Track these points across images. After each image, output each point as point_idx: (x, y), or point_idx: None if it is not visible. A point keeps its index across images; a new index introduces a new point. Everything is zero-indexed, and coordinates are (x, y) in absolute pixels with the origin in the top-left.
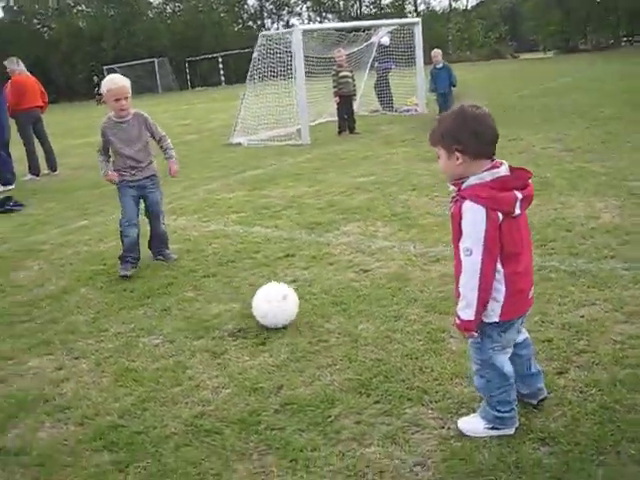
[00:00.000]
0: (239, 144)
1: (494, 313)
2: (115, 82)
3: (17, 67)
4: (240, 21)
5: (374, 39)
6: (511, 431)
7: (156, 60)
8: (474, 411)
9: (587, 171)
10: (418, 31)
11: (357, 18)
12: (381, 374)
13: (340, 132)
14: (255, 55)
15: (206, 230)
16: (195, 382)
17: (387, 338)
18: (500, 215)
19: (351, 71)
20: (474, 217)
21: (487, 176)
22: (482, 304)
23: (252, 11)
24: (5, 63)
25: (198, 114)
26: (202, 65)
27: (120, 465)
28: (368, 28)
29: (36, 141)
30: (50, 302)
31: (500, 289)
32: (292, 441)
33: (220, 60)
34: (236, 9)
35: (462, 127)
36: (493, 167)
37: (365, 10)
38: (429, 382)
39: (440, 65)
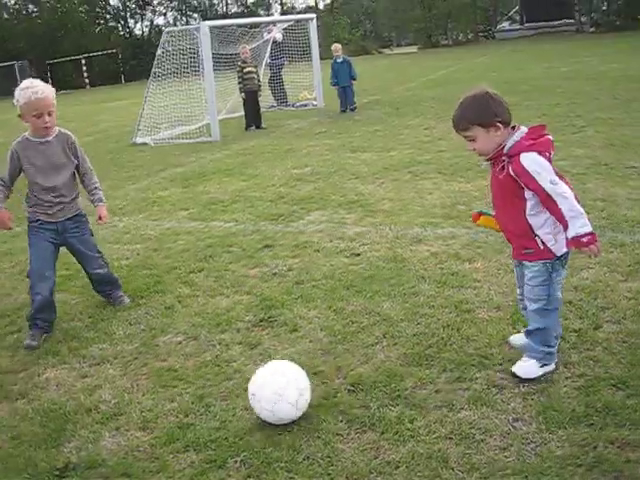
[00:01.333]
0: (145, 144)
1: (561, 245)
2: (36, 92)
3: None
4: (102, 22)
5: (266, 36)
6: (553, 366)
7: (16, 63)
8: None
9: None
10: (313, 27)
11: (225, 17)
12: (432, 346)
13: (247, 128)
14: (159, 52)
15: (163, 228)
16: (245, 374)
17: (417, 314)
18: (547, 154)
19: (255, 67)
20: (535, 160)
21: (519, 134)
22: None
23: (114, 11)
24: None
25: (78, 116)
26: (65, 67)
27: (215, 462)
28: (268, 24)
29: None
30: (26, 309)
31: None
32: (385, 416)
33: (83, 62)
34: (98, 9)
35: (495, 103)
36: (517, 128)
37: (232, 9)
38: (482, 348)
39: (340, 59)
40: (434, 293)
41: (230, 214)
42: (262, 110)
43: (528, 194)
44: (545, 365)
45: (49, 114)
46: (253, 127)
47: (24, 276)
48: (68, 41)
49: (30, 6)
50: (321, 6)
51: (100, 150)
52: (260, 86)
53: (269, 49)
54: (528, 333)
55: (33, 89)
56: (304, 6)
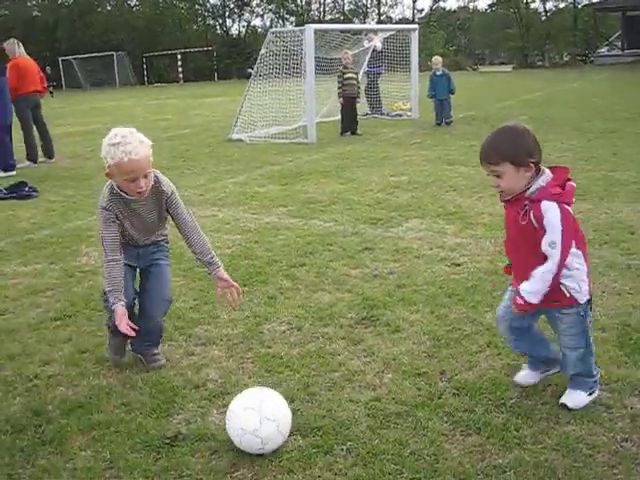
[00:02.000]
0: (241, 140)
1: (585, 291)
2: (130, 152)
3: (18, 49)
4: (200, 19)
5: (367, 44)
6: (598, 391)
7: (115, 54)
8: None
9: (614, 179)
10: (415, 38)
11: (320, 22)
12: None
13: (343, 133)
14: (262, 52)
15: (262, 222)
16: (350, 367)
17: None
18: (569, 207)
19: (356, 73)
20: (554, 213)
21: (545, 178)
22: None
23: (213, 10)
24: (4, 45)
25: (173, 109)
26: (160, 61)
27: (322, 448)
28: (369, 32)
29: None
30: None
31: (583, 269)
32: (490, 422)
33: (179, 57)
34: (197, 6)
35: (532, 141)
36: (542, 172)
37: (328, 16)
38: None
39: (440, 72)
40: None
41: (329, 214)
42: (358, 117)
43: None
44: (592, 393)
45: (145, 176)
46: (349, 133)
47: None
48: (166, 36)
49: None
50: (417, 18)
51: (197, 143)
52: (359, 93)
53: (368, 57)
54: (571, 376)
55: (126, 147)
56: (400, 17)
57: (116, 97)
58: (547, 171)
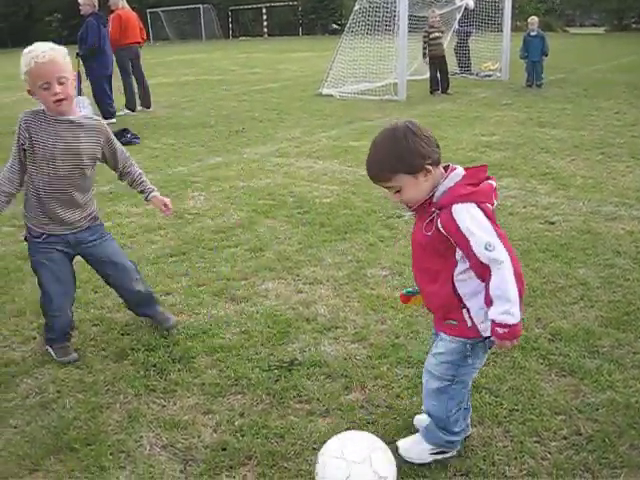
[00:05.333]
0: (330, 95)
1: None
2: (37, 55)
3: (120, 1)
4: None
5: (459, 2)
6: (454, 452)
7: (201, 7)
8: None
9: None
10: None
11: None
12: (629, 314)
13: (432, 91)
14: (356, 7)
15: (359, 174)
16: None
17: (612, 283)
18: (489, 207)
19: (442, 32)
20: (471, 214)
21: (454, 177)
22: (521, 298)
23: None
24: None
25: (261, 63)
26: (245, 15)
27: None
28: None
29: None
30: (242, 231)
31: None
32: (583, 366)
33: (264, 11)
34: None
35: (420, 140)
36: (451, 170)
37: None
38: None
39: (534, 33)
40: (630, 268)
41: None
42: (448, 75)
43: (459, 254)
44: (442, 453)
45: (60, 83)
46: (439, 91)
47: (235, 201)
48: None
49: None
50: None
51: (288, 97)
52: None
53: (459, 16)
54: (427, 412)
55: (34, 53)
56: None
57: (204, 50)
58: (459, 169)
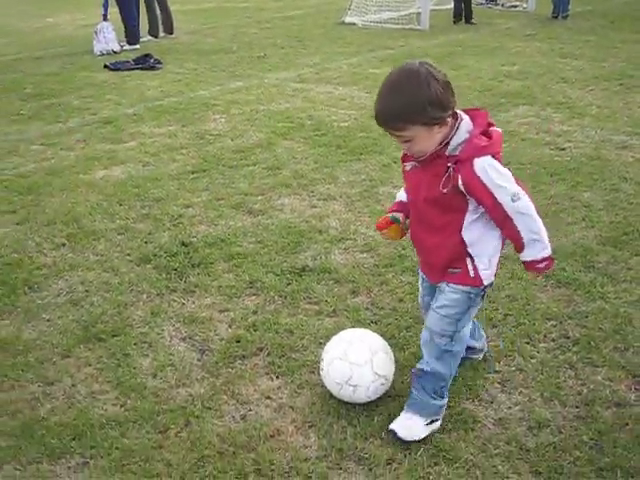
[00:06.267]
0: (353, 24)
1: (493, 271)
2: None
3: None
4: None
5: None
6: (439, 422)
7: None
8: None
9: None
10: None
11: None
12: (628, 234)
13: (455, 21)
14: None
15: None
16: None
17: (615, 206)
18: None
19: None
20: (494, 166)
21: (466, 127)
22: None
23: None
24: None
25: None
26: None
27: None
28: None
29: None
30: (261, 151)
31: (499, 243)
32: (578, 278)
33: None
34: None
35: (440, 87)
36: (459, 118)
37: None
38: None
39: None
40: (634, 192)
41: None
42: (472, 5)
43: (471, 205)
44: (433, 422)
45: None
46: (462, 21)
47: (255, 123)
48: None
49: None
50: None
51: (311, 25)
52: None
53: None
54: (421, 372)
55: None
56: None
57: None
58: (465, 116)
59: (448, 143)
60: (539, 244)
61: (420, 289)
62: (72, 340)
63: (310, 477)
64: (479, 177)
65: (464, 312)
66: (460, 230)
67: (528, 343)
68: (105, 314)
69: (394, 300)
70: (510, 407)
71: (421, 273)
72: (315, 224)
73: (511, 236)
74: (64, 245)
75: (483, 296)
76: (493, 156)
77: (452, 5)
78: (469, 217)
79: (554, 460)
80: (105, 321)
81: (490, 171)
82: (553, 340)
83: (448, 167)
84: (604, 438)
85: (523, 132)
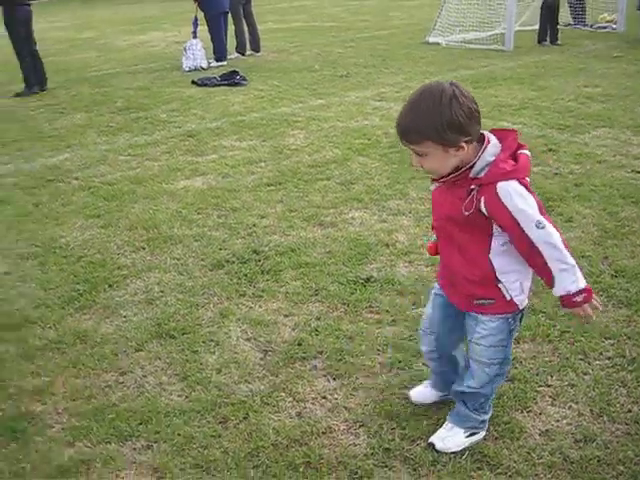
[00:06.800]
0: (437, 44)
1: (525, 297)
2: None
3: None
4: None
5: None
6: (483, 434)
7: None
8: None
9: None
10: None
11: None
12: None
13: (540, 41)
14: None
15: None
16: None
17: None
18: (527, 180)
19: None
20: (518, 192)
21: (493, 150)
22: None
23: None
24: None
25: (372, 11)
26: None
27: None
28: None
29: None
30: (336, 166)
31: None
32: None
33: None
34: None
35: (464, 112)
36: (487, 141)
37: None
38: None
39: None
40: None
41: (517, 117)
42: (559, 27)
43: (496, 230)
44: (473, 434)
45: None
46: (547, 42)
47: (332, 139)
48: None
49: None
50: None
51: (395, 44)
52: (559, 1)
53: None
54: (460, 394)
55: None
56: None
57: None
58: (493, 139)
59: (472, 166)
60: (569, 275)
61: (429, 309)
62: (145, 335)
63: (357, 473)
64: (502, 202)
65: (507, 337)
66: (488, 253)
67: (583, 360)
68: (177, 313)
69: None
70: (558, 420)
71: (436, 289)
72: (383, 237)
73: (538, 268)
74: (143, 249)
75: (521, 318)
76: (519, 181)
77: (538, 26)
78: (496, 242)
79: (597, 473)
80: (177, 320)
81: (514, 196)
82: (609, 358)
83: (472, 190)
84: None
85: (600, 154)
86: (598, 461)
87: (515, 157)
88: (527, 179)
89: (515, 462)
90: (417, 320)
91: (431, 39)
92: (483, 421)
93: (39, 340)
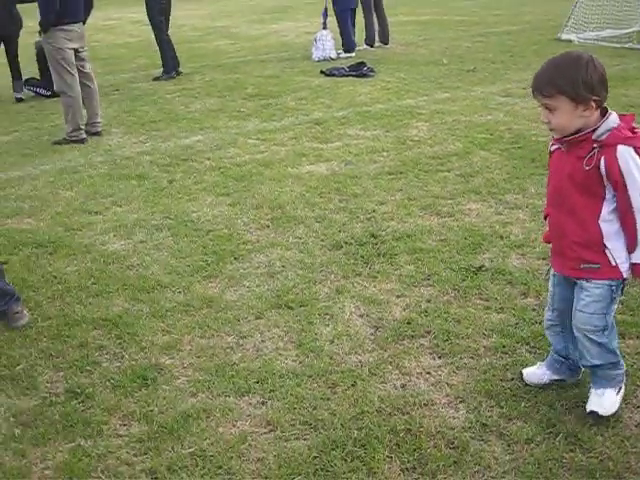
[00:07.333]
0: (570, 41)
1: (628, 266)
2: None
3: None
4: None
5: None
6: (625, 380)
7: None
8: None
9: None
10: None
11: None
12: None
13: None
14: None
15: None
16: None
17: None
18: None
19: None
20: (632, 157)
21: (615, 120)
22: None
23: None
24: None
25: (505, 5)
26: None
27: None
28: None
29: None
30: (457, 159)
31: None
32: None
33: None
34: None
35: (598, 76)
36: (609, 114)
37: None
38: None
39: None
40: None
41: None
42: None
43: (609, 193)
44: (621, 389)
45: None
46: None
47: (455, 132)
48: None
49: None
50: None
51: (524, 40)
52: None
53: None
54: (590, 367)
55: None
56: None
57: None
58: (614, 113)
59: (596, 129)
60: None
61: (550, 287)
62: (265, 305)
63: (453, 442)
64: (619, 162)
65: (609, 305)
66: (598, 218)
67: None
68: (296, 287)
69: None
70: None
71: (552, 271)
72: (498, 229)
73: (628, 230)
74: (268, 227)
75: (622, 289)
76: (636, 149)
77: None
78: (606, 207)
79: None
80: (295, 293)
81: (629, 160)
82: None
83: (593, 148)
84: None
85: None
86: None
87: (633, 131)
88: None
89: (608, 448)
90: (525, 309)
91: (564, 36)
92: (622, 373)
93: (169, 302)
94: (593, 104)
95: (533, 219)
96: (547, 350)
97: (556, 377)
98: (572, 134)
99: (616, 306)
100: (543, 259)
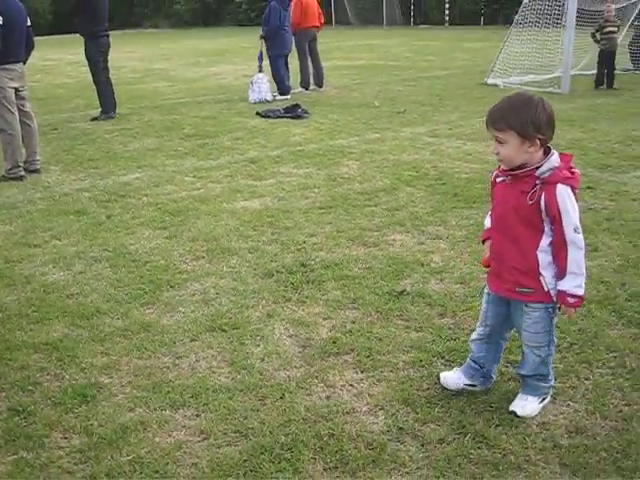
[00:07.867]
0: (495, 85)
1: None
2: None
3: None
4: None
5: None
6: (551, 393)
7: None
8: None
9: None
10: None
11: None
12: None
13: (597, 86)
14: (525, 0)
15: None
16: None
17: None
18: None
19: (618, 27)
20: (570, 196)
21: (556, 159)
22: None
23: None
24: None
25: (436, 51)
26: (427, 3)
27: None
28: None
29: None
30: (384, 194)
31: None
32: None
33: (447, 0)
34: None
35: (545, 117)
36: (551, 153)
37: None
38: None
39: None
40: None
41: None
42: (616, 72)
43: (547, 226)
44: (544, 399)
45: None
46: (604, 86)
47: (383, 170)
48: None
49: None
50: None
51: (454, 84)
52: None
53: (637, 10)
54: (523, 376)
55: None
56: None
57: (382, 36)
58: (556, 153)
59: (539, 167)
60: (578, 279)
61: (483, 304)
62: (200, 328)
63: (372, 444)
64: (557, 200)
65: (550, 323)
66: (537, 249)
67: (586, 368)
68: (229, 312)
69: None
70: (555, 415)
71: (486, 290)
72: (419, 257)
73: (560, 261)
74: (203, 257)
75: (559, 309)
76: (572, 189)
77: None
78: (545, 239)
79: (582, 457)
80: (229, 317)
81: (566, 198)
82: (610, 368)
83: (536, 184)
84: (632, 446)
85: (636, 193)
86: (585, 448)
87: (571, 172)
88: (577, 191)
89: (511, 444)
90: (441, 328)
91: (490, 80)
92: (549, 387)
93: (108, 327)
94: (538, 142)
95: (452, 248)
96: (461, 363)
97: (469, 382)
98: (518, 167)
99: (555, 323)
100: (460, 283)
